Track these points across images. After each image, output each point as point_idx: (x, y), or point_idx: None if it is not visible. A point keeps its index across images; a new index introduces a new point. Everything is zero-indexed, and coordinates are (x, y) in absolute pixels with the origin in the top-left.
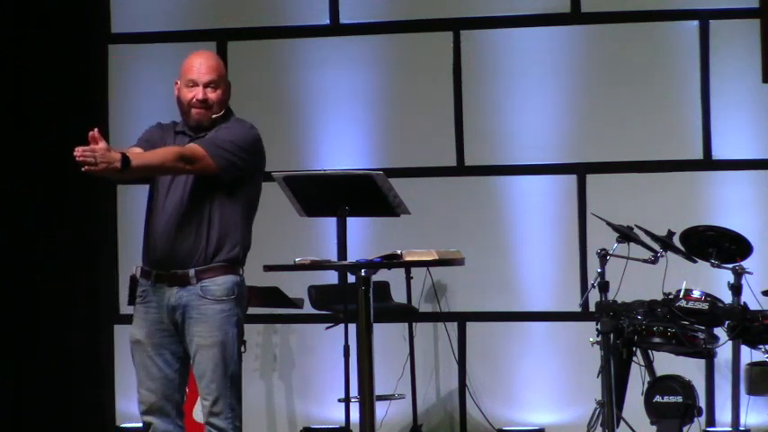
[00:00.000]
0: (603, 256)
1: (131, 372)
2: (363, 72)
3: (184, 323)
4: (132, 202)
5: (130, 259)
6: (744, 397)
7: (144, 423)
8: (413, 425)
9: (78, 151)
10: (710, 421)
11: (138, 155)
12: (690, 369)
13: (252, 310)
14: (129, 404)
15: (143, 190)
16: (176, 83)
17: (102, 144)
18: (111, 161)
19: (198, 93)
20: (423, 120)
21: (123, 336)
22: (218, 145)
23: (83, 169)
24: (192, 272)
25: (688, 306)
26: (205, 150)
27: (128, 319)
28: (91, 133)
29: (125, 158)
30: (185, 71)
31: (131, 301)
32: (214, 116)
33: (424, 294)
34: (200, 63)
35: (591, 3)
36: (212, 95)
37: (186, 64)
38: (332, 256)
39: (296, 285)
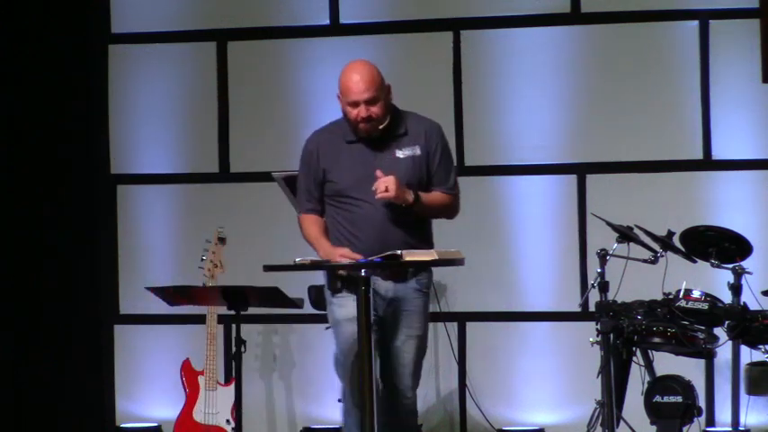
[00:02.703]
0: (603, 256)
1: (131, 372)
2: None
3: (397, 314)
4: (132, 203)
5: (131, 259)
6: (744, 397)
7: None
8: None
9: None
10: (710, 421)
11: (425, 194)
12: (690, 369)
13: (252, 310)
14: (129, 404)
15: (142, 190)
16: (338, 96)
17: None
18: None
19: (361, 111)
20: None
21: (123, 336)
22: (457, 183)
23: (377, 196)
24: (408, 270)
25: (688, 306)
26: (455, 198)
27: (128, 319)
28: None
29: (416, 194)
30: (344, 91)
31: (336, 291)
32: (381, 126)
33: None
34: (357, 82)
35: (591, 3)
36: (375, 109)
37: (344, 82)
38: None
39: (296, 285)
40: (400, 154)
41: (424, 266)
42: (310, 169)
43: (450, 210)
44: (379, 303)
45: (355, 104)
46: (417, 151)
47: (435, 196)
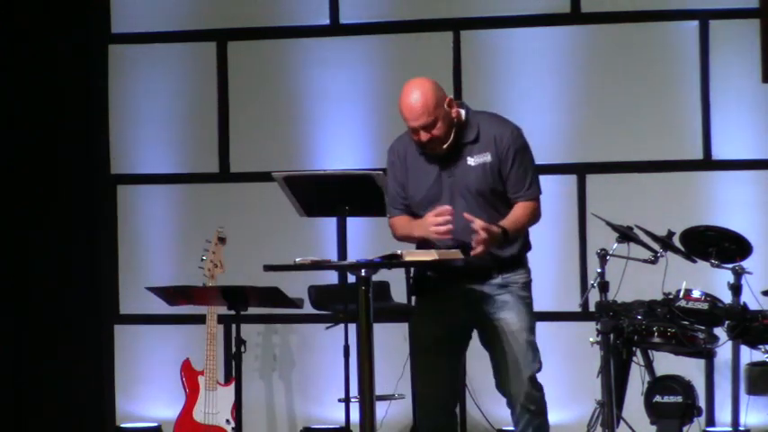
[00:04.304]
0: (603, 256)
1: (131, 372)
2: (363, 72)
3: (487, 316)
4: (132, 203)
5: (131, 259)
6: (743, 397)
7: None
8: (413, 425)
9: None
10: (710, 421)
11: (509, 221)
12: (690, 369)
13: (252, 310)
14: (129, 404)
15: (142, 190)
16: None
17: (481, 222)
18: (495, 234)
19: (420, 136)
20: None
21: (123, 336)
22: (536, 185)
23: (472, 253)
24: (493, 268)
25: (688, 306)
26: (536, 201)
27: (128, 319)
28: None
29: (503, 230)
30: (402, 116)
31: (417, 293)
32: (445, 145)
33: None
34: (410, 109)
35: (591, 3)
36: (435, 132)
37: (399, 106)
38: (332, 256)
39: (296, 285)
40: (471, 162)
41: (512, 264)
42: (396, 177)
43: (533, 218)
44: (462, 309)
45: (413, 130)
46: (488, 158)
47: (517, 214)
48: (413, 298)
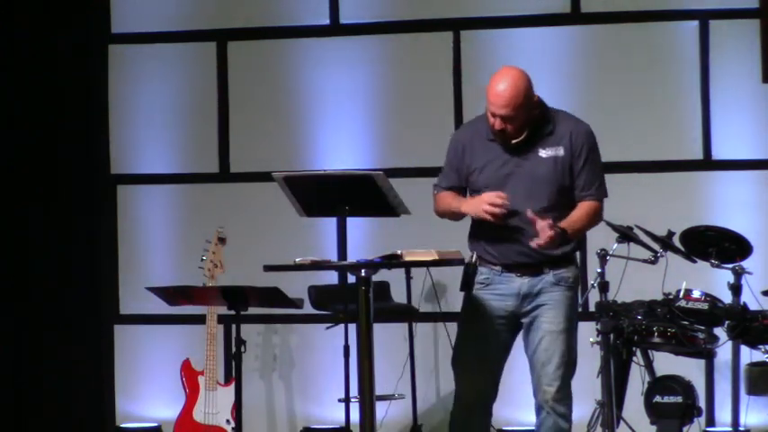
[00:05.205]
0: (603, 256)
1: (131, 372)
2: (363, 72)
3: (534, 311)
4: (132, 203)
5: (131, 259)
6: (744, 397)
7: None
8: (413, 425)
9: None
10: (710, 421)
11: (568, 223)
12: (690, 369)
13: (252, 310)
14: (129, 404)
15: (142, 190)
16: None
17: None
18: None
19: (497, 123)
20: (423, 119)
21: (123, 336)
22: (604, 186)
23: (534, 244)
24: (546, 264)
25: (688, 306)
26: (600, 203)
27: (128, 319)
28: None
29: (563, 231)
30: (487, 96)
31: (465, 288)
32: (514, 141)
33: (423, 294)
34: (497, 96)
35: (591, 3)
36: (509, 126)
37: (488, 88)
38: (332, 256)
39: (296, 285)
40: (543, 153)
41: (564, 261)
42: (456, 163)
43: (594, 220)
44: (511, 303)
45: (493, 115)
46: (561, 152)
47: (578, 214)
48: (410, 299)
